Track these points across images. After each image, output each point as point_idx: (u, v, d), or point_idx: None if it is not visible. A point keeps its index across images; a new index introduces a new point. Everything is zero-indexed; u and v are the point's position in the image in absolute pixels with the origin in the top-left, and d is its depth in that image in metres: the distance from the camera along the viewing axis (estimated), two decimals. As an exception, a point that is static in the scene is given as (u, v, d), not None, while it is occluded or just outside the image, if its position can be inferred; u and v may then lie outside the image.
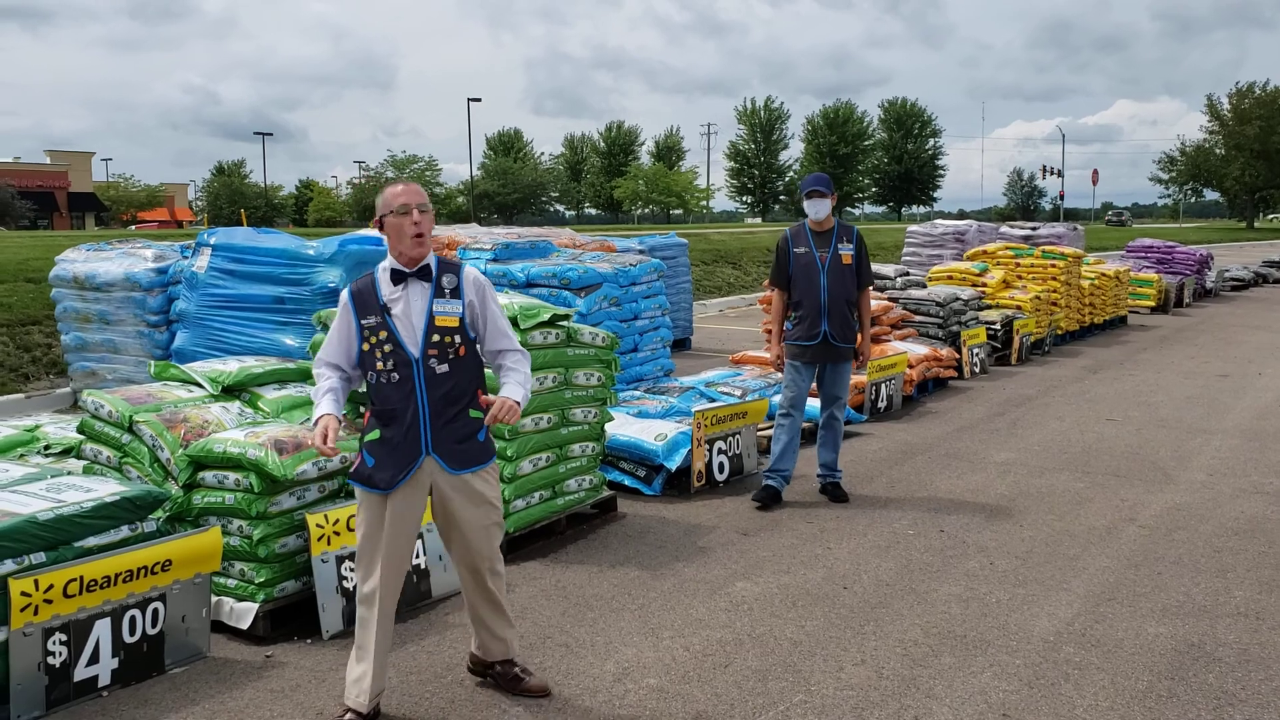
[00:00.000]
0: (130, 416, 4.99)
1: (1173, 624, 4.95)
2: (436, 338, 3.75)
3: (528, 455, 5.86)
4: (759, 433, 8.30)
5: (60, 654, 3.93)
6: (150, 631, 4.22)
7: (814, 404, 7.60)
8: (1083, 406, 10.62)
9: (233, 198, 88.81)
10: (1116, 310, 17.96)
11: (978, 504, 7.01)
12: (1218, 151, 77.85)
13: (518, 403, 3.79)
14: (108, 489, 4.29)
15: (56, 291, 9.99)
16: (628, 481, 7.21)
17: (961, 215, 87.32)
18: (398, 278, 3.78)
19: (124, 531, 4.24)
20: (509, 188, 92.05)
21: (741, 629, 4.88)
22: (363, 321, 3.79)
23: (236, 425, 5.08)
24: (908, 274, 12.97)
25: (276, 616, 4.72)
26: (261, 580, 4.66)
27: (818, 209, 6.92)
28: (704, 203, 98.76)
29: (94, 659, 4.04)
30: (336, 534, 4.74)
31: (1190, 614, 5.08)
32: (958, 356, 11.96)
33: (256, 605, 4.65)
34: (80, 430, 5.24)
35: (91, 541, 4.10)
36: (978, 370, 12.58)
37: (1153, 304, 20.68)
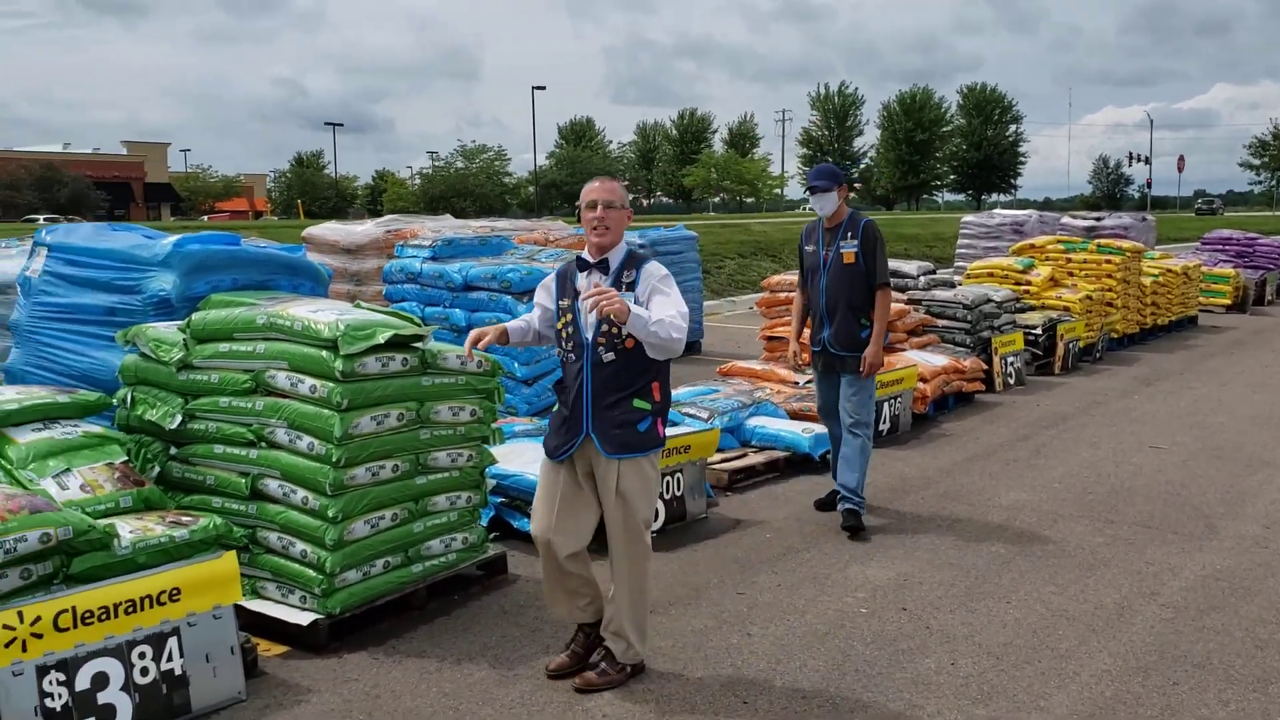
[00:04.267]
0: None
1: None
2: (606, 327, 3.98)
3: (361, 514, 4.64)
4: (715, 467, 7.00)
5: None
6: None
7: None
8: (1124, 429, 9.09)
9: (304, 189, 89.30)
10: (1185, 310, 16.21)
11: (961, 568, 5.63)
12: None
13: (628, 309, 3.76)
14: None
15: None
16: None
17: (1046, 204, 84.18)
18: (583, 266, 4.14)
19: None
20: (577, 177, 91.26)
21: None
22: (560, 302, 4.19)
23: (-54, 484, 3.94)
24: (932, 271, 11.48)
25: (-43, 744, 3.58)
26: (-70, 699, 3.51)
27: (823, 204, 6.23)
28: (776, 190, 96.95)
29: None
30: (37, 636, 3.56)
31: (1205, 761, 3.69)
32: (985, 367, 10.47)
33: (-78, 733, 3.51)
34: None
35: None
36: (1012, 382, 11.08)
37: (1228, 302, 18.79)
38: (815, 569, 5.61)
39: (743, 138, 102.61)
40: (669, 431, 7.08)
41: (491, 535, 5.60)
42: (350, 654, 4.52)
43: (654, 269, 4.11)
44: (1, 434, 4.39)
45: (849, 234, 6.19)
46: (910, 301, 10.76)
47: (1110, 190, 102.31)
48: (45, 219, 45.64)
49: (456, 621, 4.90)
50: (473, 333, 4.15)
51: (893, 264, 12.94)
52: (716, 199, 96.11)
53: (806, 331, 6.58)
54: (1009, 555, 5.84)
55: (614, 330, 3.97)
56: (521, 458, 6.18)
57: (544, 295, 4.31)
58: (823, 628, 4.84)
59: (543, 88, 72.10)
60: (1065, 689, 4.24)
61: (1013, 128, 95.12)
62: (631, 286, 4.03)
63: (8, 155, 76.95)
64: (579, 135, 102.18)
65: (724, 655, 4.54)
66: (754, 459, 7.45)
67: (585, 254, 4.18)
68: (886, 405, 8.55)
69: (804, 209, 74.71)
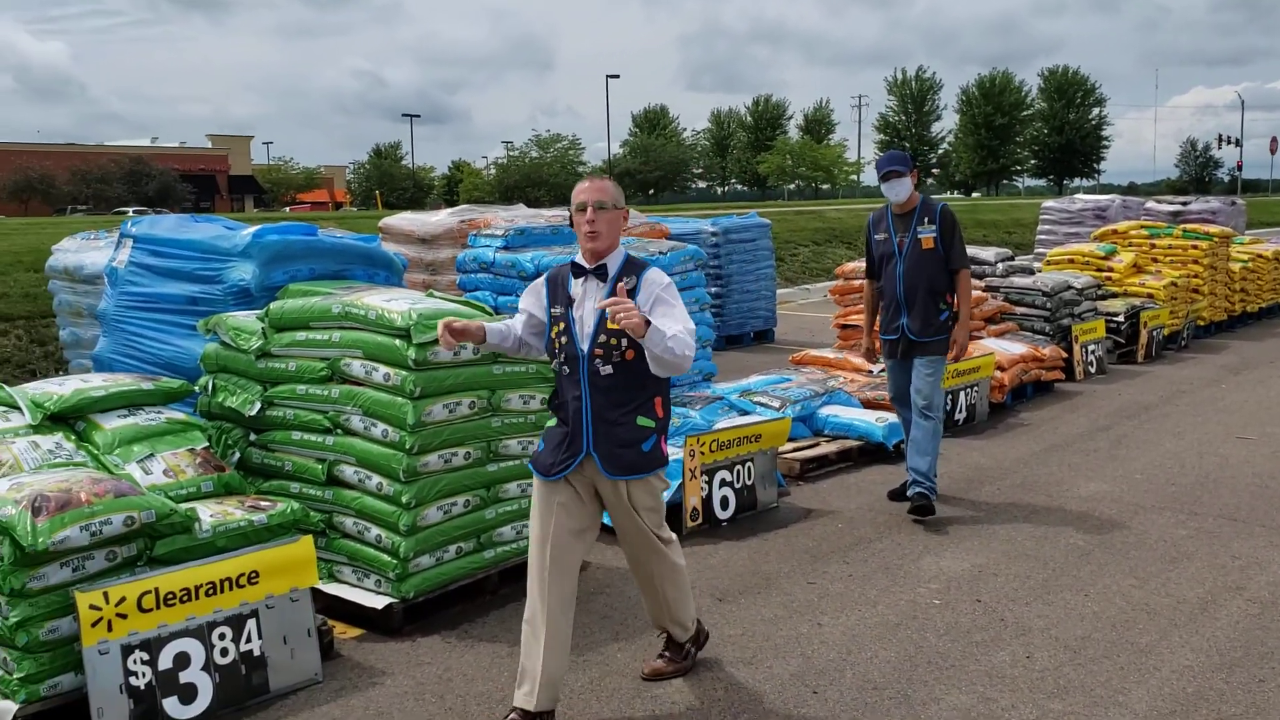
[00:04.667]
0: (-93, 454, 4.04)
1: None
2: (604, 338, 3.68)
3: (434, 500, 4.70)
4: (787, 456, 6.96)
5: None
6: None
7: None
8: (1210, 419, 8.84)
9: (382, 180, 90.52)
10: (1275, 297, 15.69)
11: (1038, 560, 5.53)
12: None
13: (646, 321, 3.43)
14: None
15: (53, 283, 9.33)
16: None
17: (1130, 189, 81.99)
18: (578, 272, 3.80)
19: None
20: (650, 165, 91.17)
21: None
22: (552, 310, 3.82)
23: (36, 467, 4.07)
24: (1011, 258, 11.26)
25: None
26: (23, 675, 3.63)
27: (896, 191, 6.14)
28: (852, 177, 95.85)
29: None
30: (122, 616, 3.67)
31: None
32: (1065, 355, 10.25)
33: (16, 707, 3.63)
34: None
35: None
36: (1093, 370, 10.84)
37: (1323, 288, 18.13)
38: (887, 559, 5.55)
39: (818, 124, 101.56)
40: (757, 414, 7.09)
41: (562, 522, 5.62)
42: (423, 638, 4.59)
43: (656, 276, 3.76)
44: (89, 420, 4.53)
45: (925, 219, 6.14)
46: (988, 289, 10.58)
47: (1198, 174, 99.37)
48: (134, 211, 46.92)
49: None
50: (449, 320, 3.77)
51: (971, 250, 12.72)
52: (791, 185, 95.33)
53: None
54: (1087, 547, 5.72)
55: (613, 341, 3.66)
56: (592, 445, 6.20)
57: (532, 301, 3.91)
58: (894, 619, 4.79)
59: (617, 76, 72.30)
60: (1145, 684, 4.14)
61: (1096, 111, 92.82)
62: (631, 294, 3.67)
63: (99, 150, 79.15)
64: (653, 123, 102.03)
65: (793, 644, 4.52)
66: (826, 448, 7.39)
67: (579, 259, 3.81)
68: (963, 394, 8.42)
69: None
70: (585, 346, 3.71)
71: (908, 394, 6.33)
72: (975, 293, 10.03)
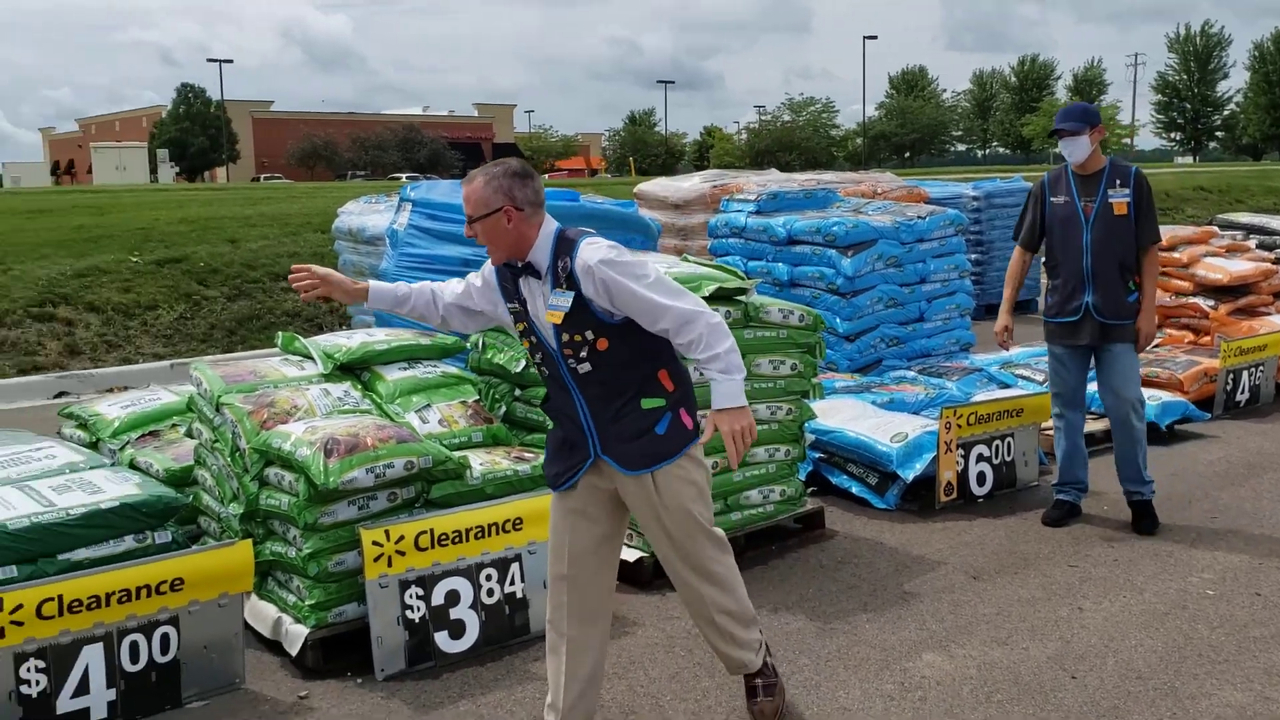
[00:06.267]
0: (218, 396, 4.49)
1: None
2: (565, 337, 3.19)
3: (686, 461, 4.80)
4: (1045, 432, 6.67)
5: (38, 682, 3.44)
6: (160, 659, 3.65)
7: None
8: None
9: (636, 146, 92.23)
10: None
11: (1330, 556, 5.09)
12: None
13: (738, 411, 3.12)
14: (117, 492, 3.77)
15: (338, 244, 10.07)
16: (856, 489, 5.94)
17: None
18: (515, 270, 3.27)
19: (128, 543, 3.69)
20: (907, 128, 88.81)
21: (890, 730, 3.62)
22: (509, 304, 3.31)
23: (327, 413, 4.44)
24: (1308, 228, 10.30)
25: (335, 645, 4.05)
26: (313, 602, 3.99)
27: (1072, 149, 5.31)
28: (1125, 140, 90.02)
29: (83, 689, 3.52)
30: (400, 554, 3.97)
31: None
32: (1371, 335, 9.29)
33: (307, 630, 4.00)
34: (188, 407, 4.85)
35: (82, 554, 3.58)
36: (1404, 353, 9.77)
37: None
38: (1156, 545, 5.25)
39: (1089, 84, 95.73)
40: (1019, 388, 6.84)
41: (809, 490, 5.63)
42: (673, 592, 4.66)
43: (588, 254, 3.12)
44: (373, 371, 4.89)
45: (1118, 182, 5.30)
46: (1277, 261, 9.72)
47: None
48: (407, 178, 49.80)
49: (773, 572, 4.99)
50: (307, 266, 3.40)
51: (1259, 219, 11.78)
52: (1057, 149, 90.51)
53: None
54: (1390, 546, 5.21)
55: (576, 338, 3.16)
56: (840, 414, 6.16)
57: (483, 285, 3.39)
58: (1162, 607, 4.53)
59: (874, 37, 70.67)
60: None
61: None
62: (570, 282, 3.13)
63: (376, 118, 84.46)
64: (910, 85, 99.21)
65: (1051, 627, 4.36)
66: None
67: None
68: (1245, 374, 7.81)
69: (1175, 161, 68.67)
70: (554, 344, 3.22)
71: (1079, 393, 5.56)
72: (1264, 265, 9.26)
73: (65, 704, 3.49)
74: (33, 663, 3.42)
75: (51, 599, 3.41)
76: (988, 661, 4.07)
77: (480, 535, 4.11)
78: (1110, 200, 5.26)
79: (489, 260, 3.30)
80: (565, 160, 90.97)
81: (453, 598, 4.06)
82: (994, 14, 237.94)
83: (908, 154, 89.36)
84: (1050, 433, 6.18)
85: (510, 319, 3.35)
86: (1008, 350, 5.91)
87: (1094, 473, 5.80)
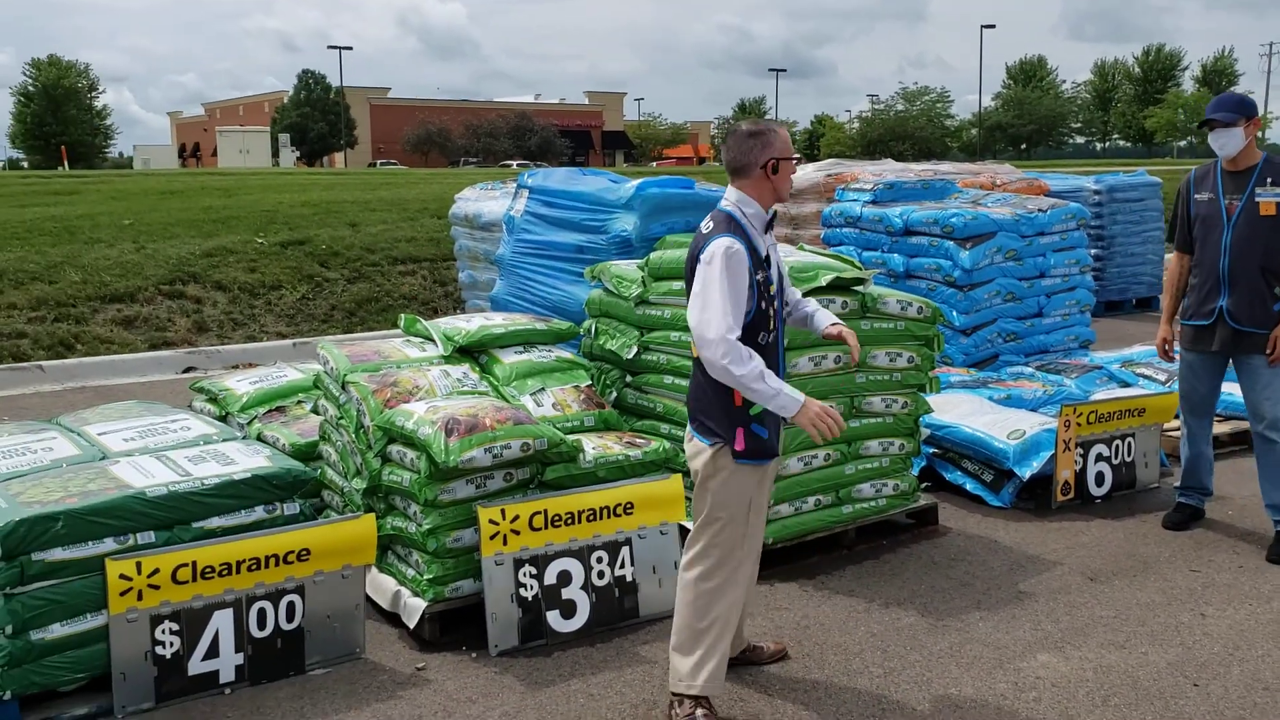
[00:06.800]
0: (344, 375, 4.63)
1: None
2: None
3: (795, 452, 4.79)
4: (1168, 433, 6.47)
5: (171, 644, 3.60)
6: (285, 627, 3.80)
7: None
8: None
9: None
10: None
11: None
12: None
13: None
14: (249, 464, 3.91)
15: (454, 229, 10.27)
16: (970, 486, 5.85)
17: None
18: (767, 226, 3.49)
19: (258, 513, 3.83)
20: (1024, 119, 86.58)
21: (1003, 730, 3.57)
22: (756, 277, 3.36)
23: (447, 394, 4.54)
24: None
25: (450, 619, 4.15)
26: (431, 577, 4.09)
27: (1224, 142, 5.00)
28: (1258, 134, 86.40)
29: (213, 652, 3.68)
30: (515, 533, 4.05)
31: None
32: None
33: (424, 604, 4.10)
34: (314, 385, 5.00)
35: (215, 522, 3.73)
36: None
37: None
38: (1288, 554, 5.06)
39: (1218, 74, 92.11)
40: (1140, 387, 6.62)
41: (923, 485, 5.56)
42: (780, 583, 4.71)
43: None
44: (490, 354, 4.98)
45: (1269, 179, 4.97)
46: None
47: None
48: (518, 165, 50.43)
49: (884, 566, 4.95)
50: (821, 410, 3.38)
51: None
52: (1182, 143, 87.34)
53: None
54: None
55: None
56: (957, 409, 6.07)
57: (740, 281, 3.34)
58: (1292, 618, 4.38)
59: (992, 26, 68.95)
60: None
61: None
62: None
63: (489, 106, 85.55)
64: (1029, 75, 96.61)
65: (1172, 633, 4.24)
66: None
67: (761, 210, 3.50)
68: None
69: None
70: (779, 307, 3.52)
71: (1210, 401, 5.31)
72: None
73: (196, 666, 3.65)
74: (167, 625, 3.59)
75: (186, 564, 3.57)
76: (1104, 665, 3.98)
77: (592, 518, 4.17)
78: (1258, 199, 4.95)
79: (733, 256, 3.28)
80: (672, 149, 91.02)
81: (564, 578, 4.13)
82: (1118, 2, 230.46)
83: (1024, 145, 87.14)
84: (1174, 435, 6.02)
85: (755, 293, 3.34)
86: (1166, 358, 5.55)
87: (1219, 476, 5.62)
